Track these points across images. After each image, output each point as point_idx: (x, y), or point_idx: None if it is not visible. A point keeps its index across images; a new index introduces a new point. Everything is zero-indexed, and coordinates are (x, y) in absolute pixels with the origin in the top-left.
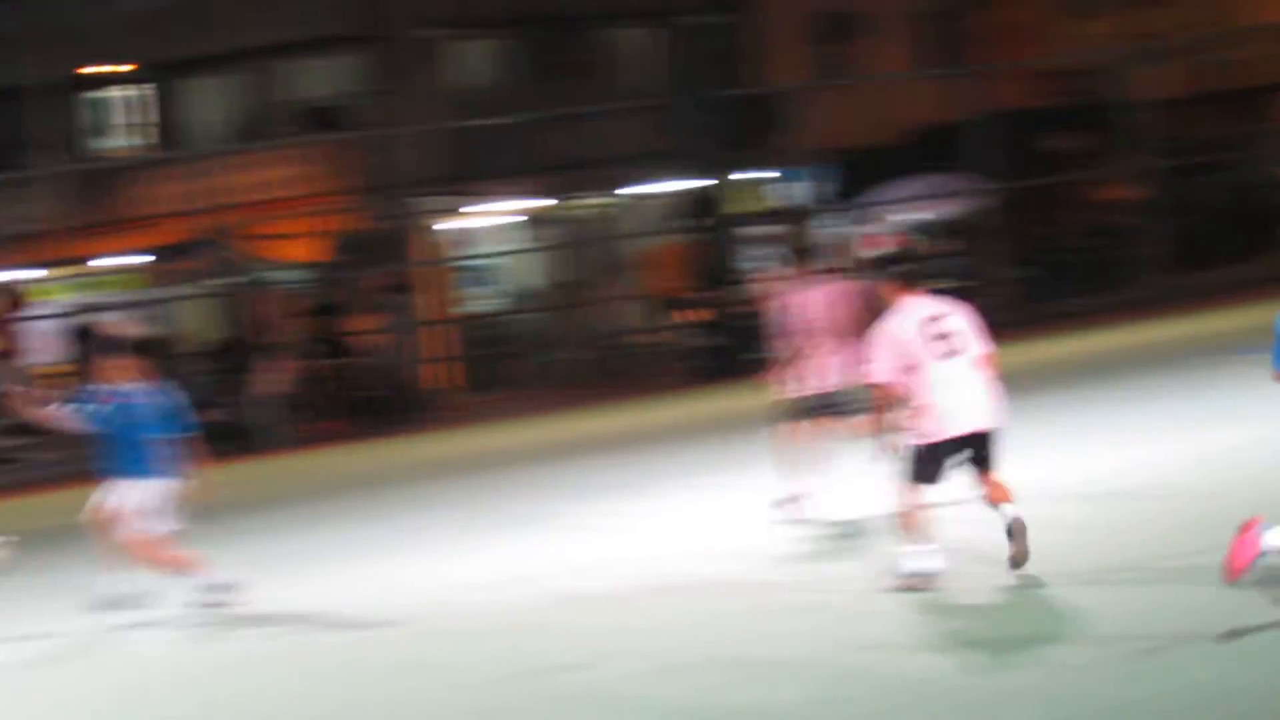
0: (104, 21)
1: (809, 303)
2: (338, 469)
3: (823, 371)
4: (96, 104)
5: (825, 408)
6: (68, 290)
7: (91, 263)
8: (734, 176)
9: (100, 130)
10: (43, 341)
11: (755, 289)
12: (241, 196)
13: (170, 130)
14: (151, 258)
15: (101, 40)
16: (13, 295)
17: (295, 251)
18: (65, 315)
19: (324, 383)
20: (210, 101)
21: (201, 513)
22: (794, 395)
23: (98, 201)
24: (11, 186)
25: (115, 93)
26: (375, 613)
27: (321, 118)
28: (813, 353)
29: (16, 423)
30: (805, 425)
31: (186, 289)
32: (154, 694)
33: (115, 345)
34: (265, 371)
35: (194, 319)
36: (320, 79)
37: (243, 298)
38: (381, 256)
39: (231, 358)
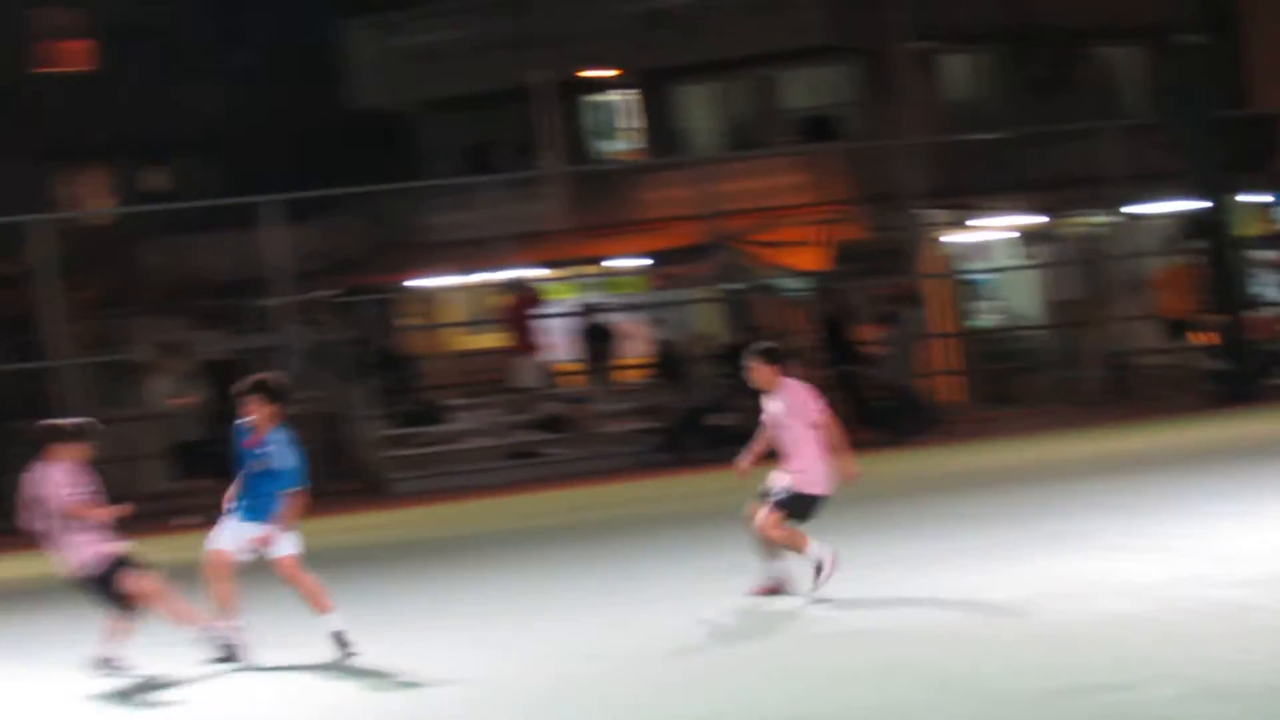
0: (598, 27)
1: None
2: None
3: None
4: (596, 108)
5: None
6: (574, 289)
7: (598, 263)
8: (1236, 199)
9: (600, 133)
10: (556, 339)
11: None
12: (739, 203)
13: (662, 135)
14: (652, 261)
15: (596, 45)
16: (527, 292)
17: (796, 259)
18: (575, 314)
19: (833, 391)
20: (703, 108)
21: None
22: None
23: (600, 203)
24: (520, 186)
25: (613, 97)
26: (909, 623)
27: (815, 127)
28: None
29: (541, 418)
30: None
31: (692, 292)
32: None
33: None
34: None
35: (699, 322)
36: (812, 89)
37: (747, 303)
38: (884, 267)
39: (740, 362)
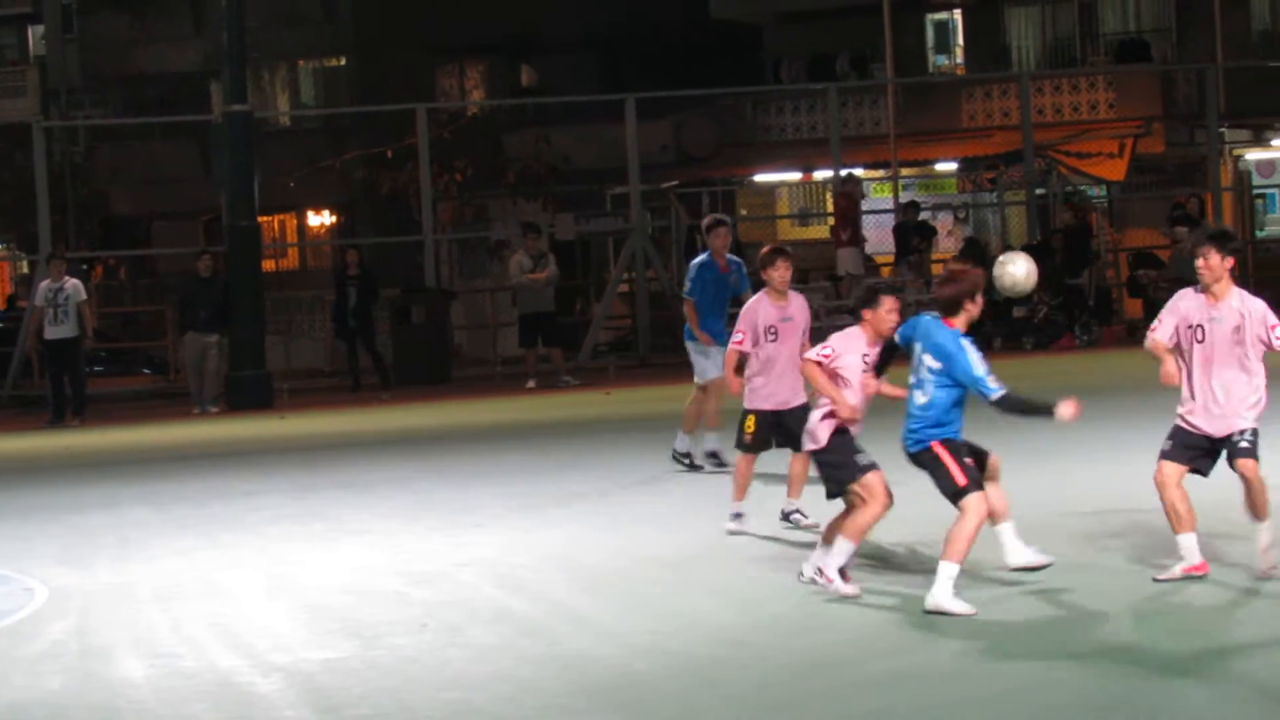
0: None
1: None
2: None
3: None
4: (937, 25)
5: None
6: (889, 189)
7: (918, 167)
8: None
9: (939, 48)
10: (877, 234)
11: None
12: (1052, 117)
13: (990, 52)
14: (968, 166)
15: None
16: (855, 189)
17: (1099, 169)
18: (895, 212)
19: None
20: (1027, 28)
21: None
22: None
23: (927, 112)
24: (856, 94)
25: (953, 15)
26: None
27: (1128, 50)
28: None
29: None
30: None
31: (1000, 196)
32: None
33: None
34: (1082, 274)
35: (1006, 223)
36: (1128, 15)
37: (1050, 208)
38: (1178, 180)
39: (1039, 262)
